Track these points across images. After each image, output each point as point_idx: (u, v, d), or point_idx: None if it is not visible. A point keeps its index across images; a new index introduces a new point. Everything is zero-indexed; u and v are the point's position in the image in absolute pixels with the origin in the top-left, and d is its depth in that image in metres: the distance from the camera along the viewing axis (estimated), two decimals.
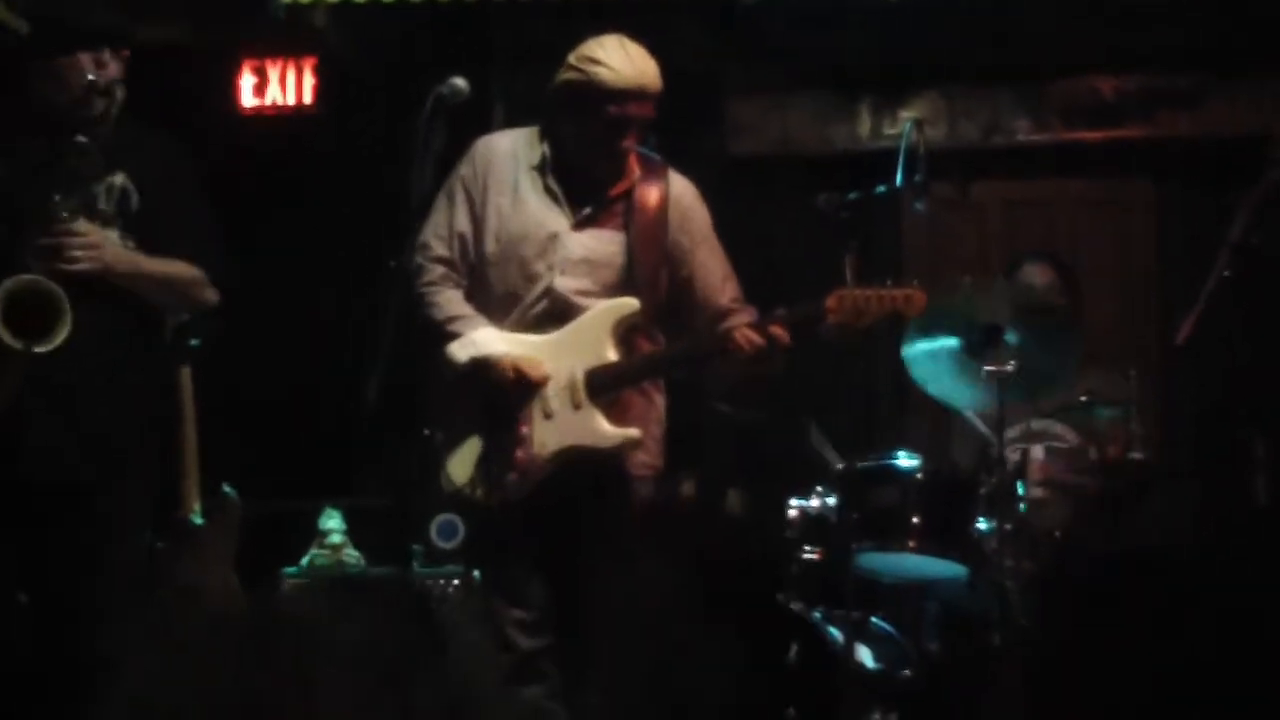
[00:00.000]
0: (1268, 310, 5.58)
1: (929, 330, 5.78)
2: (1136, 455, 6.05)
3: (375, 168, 7.29)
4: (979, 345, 5.74)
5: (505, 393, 4.78)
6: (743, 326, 4.74)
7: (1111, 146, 8.34)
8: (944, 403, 6.15)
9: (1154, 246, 8.46)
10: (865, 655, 5.63)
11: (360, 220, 7.33)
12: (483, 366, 4.78)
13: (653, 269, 4.88)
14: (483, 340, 4.80)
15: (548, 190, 4.88)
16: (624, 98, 4.72)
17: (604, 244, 4.87)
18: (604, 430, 4.77)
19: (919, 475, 5.71)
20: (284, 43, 8.36)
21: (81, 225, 4.51)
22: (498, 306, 4.87)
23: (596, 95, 4.71)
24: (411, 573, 6.38)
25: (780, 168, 8.33)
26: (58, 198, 4.48)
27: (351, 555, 6.81)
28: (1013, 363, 5.63)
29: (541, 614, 4.85)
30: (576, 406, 4.77)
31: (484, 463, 4.81)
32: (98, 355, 4.56)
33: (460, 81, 4.55)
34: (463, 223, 4.90)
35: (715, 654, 5.53)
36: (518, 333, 4.84)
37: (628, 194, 4.90)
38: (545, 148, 4.90)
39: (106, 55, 4.63)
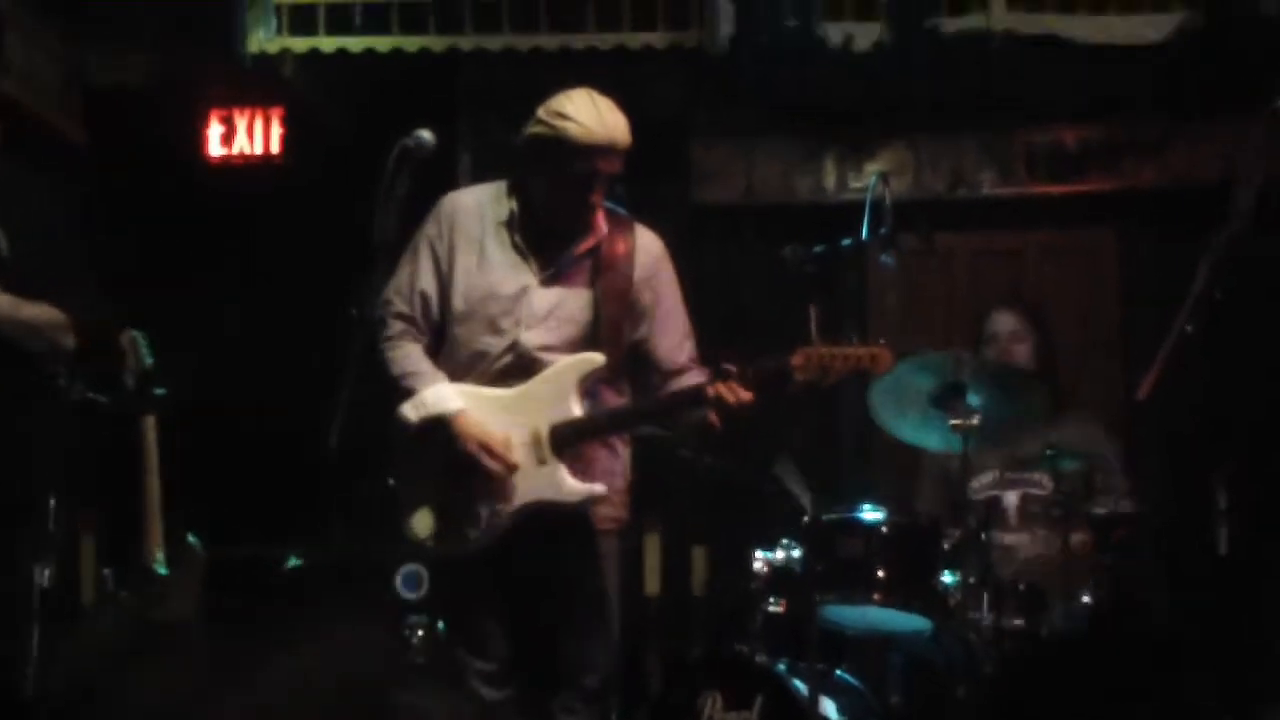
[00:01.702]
0: (1230, 363, 5.60)
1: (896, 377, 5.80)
2: (1100, 510, 6.05)
3: (341, 217, 7.28)
4: (943, 399, 5.76)
5: (467, 456, 4.74)
6: (717, 384, 4.68)
7: (1076, 197, 8.38)
8: (909, 443, 6.17)
9: (1119, 295, 8.50)
10: (830, 708, 5.61)
11: (325, 269, 7.32)
12: (436, 426, 4.76)
13: (617, 324, 4.85)
14: (434, 399, 4.78)
15: (514, 246, 4.85)
16: (591, 153, 4.68)
17: (570, 300, 4.84)
18: (569, 485, 4.74)
19: (884, 528, 5.72)
20: (251, 92, 8.36)
21: None
22: (465, 362, 4.85)
23: (564, 150, 4.67)
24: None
25: (746, 217, 8.35)
26: None
27: None
28: (976, 418, 5.66)
29: (503, 665, 4.84)
30: (541, 462, 4.75)
31: (444, 515, 4.79)
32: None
33: (426, 134, 4.56)
34: (426, 281, 4.88)
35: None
36: (480, 386, 4.82)
37: (594, 250, 4.87)
38: (513, 203, 4.87)
39: None
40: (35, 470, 4.78)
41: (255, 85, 8.27)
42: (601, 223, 4.90)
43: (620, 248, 4.90)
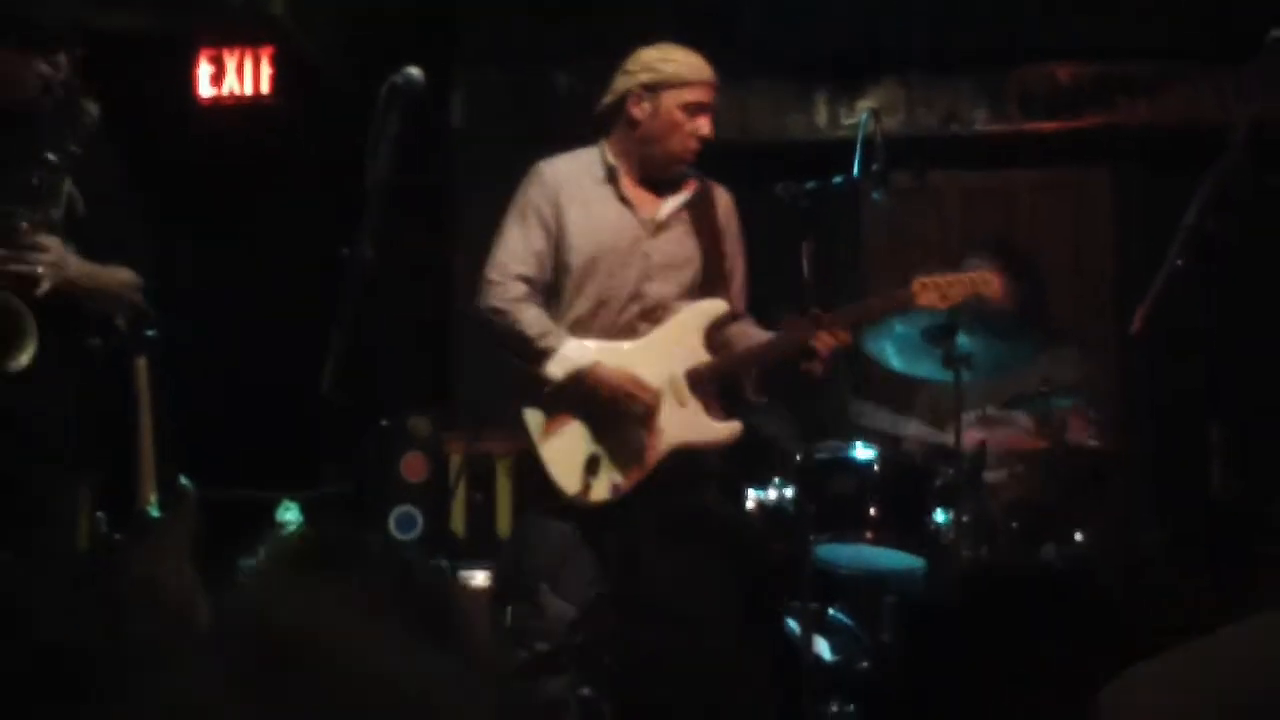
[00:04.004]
0: (1223, 296, 5.59)
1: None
2: (1093, 442, 6.06)
3: (332, 157, 7.26)
4: (935, 336, 5.77)
5: (612, 402, 4.98)
6: (827, 318, 5.00)
7: (1069, 135, 8.35)
8: (902, 373, 6.20)
9: (1112, 234, 8.47)
10: (823, 647, 5.63)
11: (316, 209, 7.30)
12: (579, 378, 4.99)
13: (720, 270, 5.18)
14: (575, 353, 5.02)
15: (622, 200, 5.14)
16: (699, 86, 5.10)
17: (680, 249, 5.15)
18: (712, 425, 5.06)
19: (876, 466, 5.73)
20: (241, 32, 8.32)
21: (44, 240, 4.50)
22: (586, 317, 5.09)
23: (674, 85, 5.07)
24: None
25: (739, 156, 8.32)
26: (22, 218, 4.47)
27: None
28: (968, 356, 5.68)
29: (585, 613, 5.01)
30: (681, 404, 5.02)
31: (591, 467, 5.00)
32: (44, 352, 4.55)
33: (415, 71, 4.56)
34: (539, 242, 5.11)
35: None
36: (607, 340, 5.06)
37: (692, 199, 5.18)
38: (611, 160, 5.16)
39: (61, 56, 4.59)
40: (70, 434, 4.80)
41: (245, 25, 8.22)
42: (690, 177, 5.22)
43: (707, 196, 5.24)
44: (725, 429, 5.06)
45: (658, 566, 5.05)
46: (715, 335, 5.13)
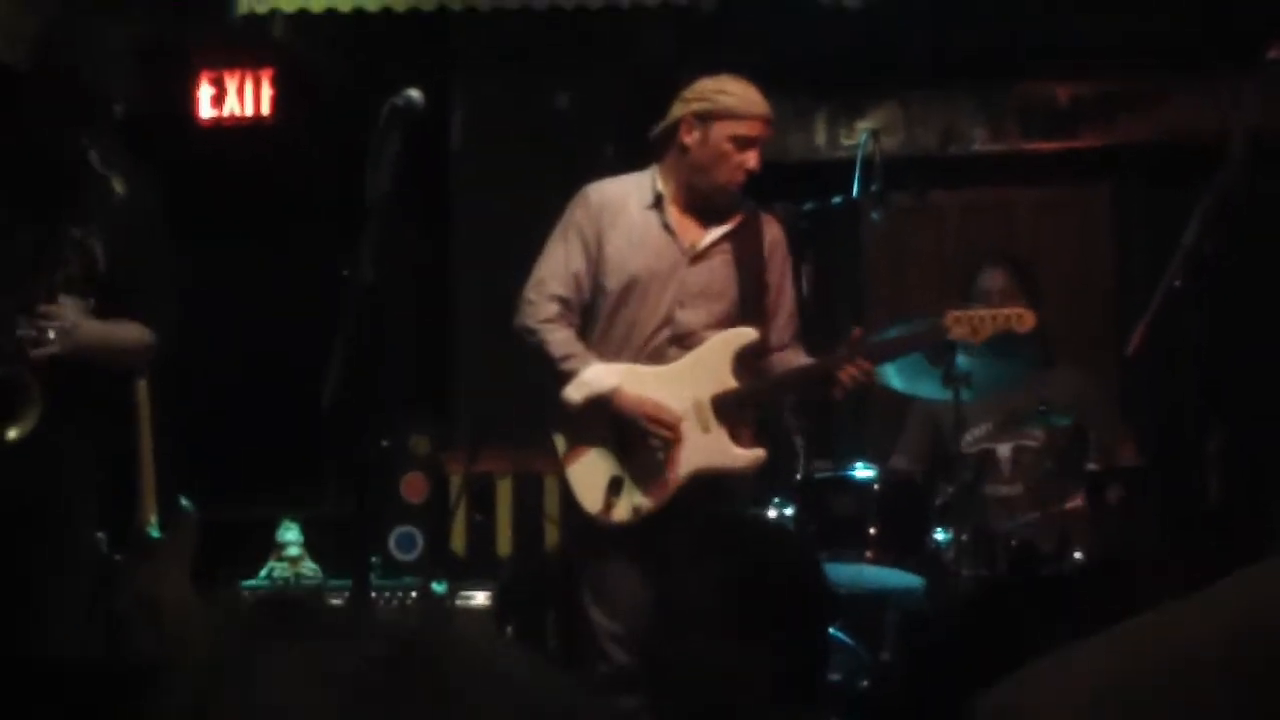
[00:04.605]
0: (1220, 316, 5.58)
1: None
2: (1093, 466, 6.06)
3: (332, 178, 7.27)
4: (935, 356, 5.78)
5: (633, 427, 5.08)
6: (859, 347, 5.14)
7: (1069, 153, 8.35)
8: (903, 392, 6.20)
9: (1113, 252, 8.47)
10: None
11: (316, 230, 7.31)
12: (599, 404, 5.08)
13: (760, 299, 5.23)
14: (594, 377, 5.11)
15: (665, 227, 5.20)
16: (751, 119, 5.15)
17: (718, 278, 5.21)
18: (735, 451, 5.11)
19: (876, 485, 5.73)
20: (241, 53, 8.33)
21: (56, 307, 4.52)
22: (619, 341, 5.18)
23: (726, 116, 5.12)
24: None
25: None
26: (38, 284, 4.49)
27: (309, 567, 6.79)
28: (967, 375, 5.69)
29: (636, 630, 5.01)
30: (705, 430, 5.08)
31: (613, 488, 5.09)
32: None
33: (415, 93, 4.57)
34: (578, 263, 5.19)
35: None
36: (637, 364, 5.13)
37: (734, 233, 5.23)
38: (660, 187, 5.22)
39: (99, 122, 4.61)
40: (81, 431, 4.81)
41: (245, 46, 8.23)
42: (739, 206, 5.28)
43: (755, 228, 5.30)
44: (750, 456, 5.12)
45: (688, 583, 5.05)
46: (744, 362, 5.16)
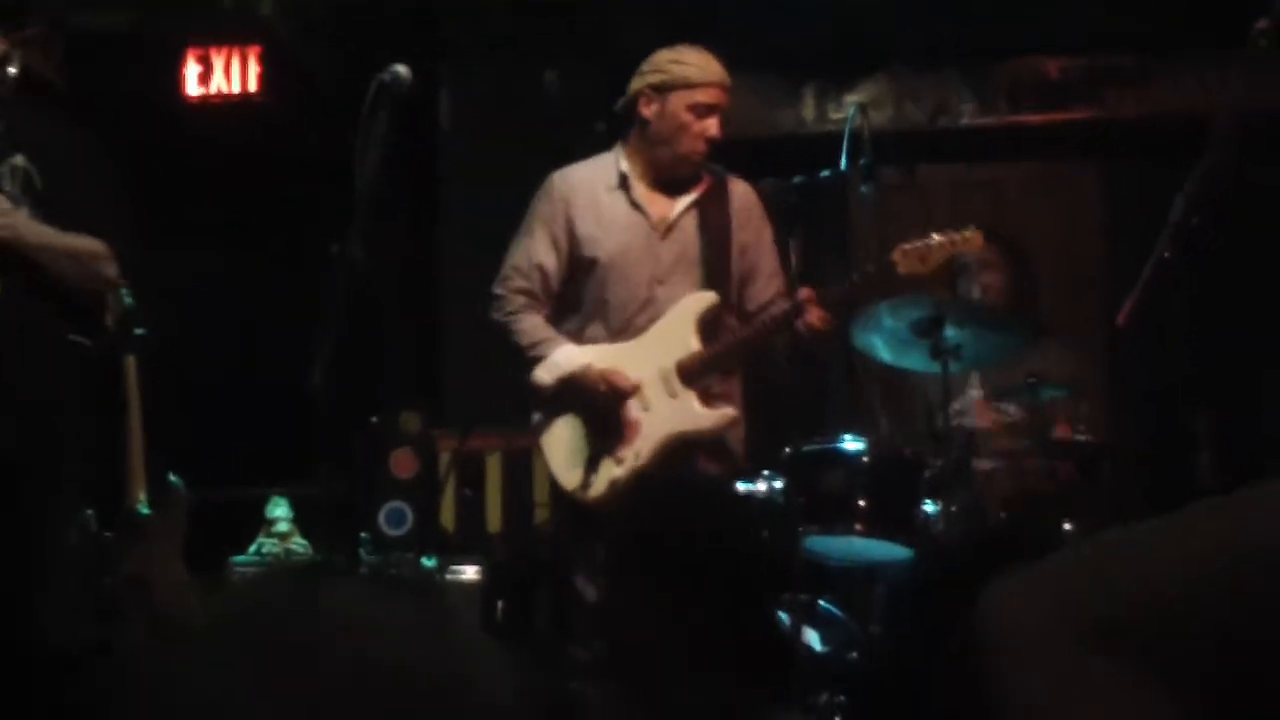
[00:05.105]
0: (1209, 290, 5.59)
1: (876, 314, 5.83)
2: (1082, 437, 6.08)
3: (320, 156, 7.26)
4: (923, 329, 5.78)
5: (600, 400, 5.08)
6: (813, 297, 5.03)
7: (1058, 128, 8.36)
8: (891, 365, 6.21)
9: (1102, 227, 8.48)
10: (813, 638, 5.63)
11: (306, 207, 7.30)
12: (570, 383, 5.11)
13: (726, 263, 5.20)
14: (564, 359, 5.14)
15: (634, 205, 5.20)
16: (709, 87, 5.14)
17: (690, 249, 5.19)
18: (703, 413, 5.09)
19: (865, 458, 5.73)
20: (229, 31, 8.32)
21: None
22: (603, 322, 5.19)
23: (683, 86, 5.12)
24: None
25: (726, 151, 8.32)
26: None
27: (299, 543, 6.80)
28: (957, 349, 5.69)
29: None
30: (673, 395, 5.07)
31: (591, 465, 5.10)
32: (22, 333, 4.54)
33: (403, 69, 4.56)
34: (543, 255, 5.22)
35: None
36: (619, 342, 5.14)
37: (701, 200, 5.22)
38: (623, 165, 5.23)
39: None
40: (64, 428, 4.80)
41: (232, 24, 8.22)
42: (704, 173, 5.27)
43: (721, 195, 5.28)
44: (719, 416, 5.10)
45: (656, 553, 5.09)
46: (709, 326, 5.15)
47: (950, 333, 5.73)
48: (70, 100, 4.77)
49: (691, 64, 5.16)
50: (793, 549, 5.47)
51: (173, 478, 6.22)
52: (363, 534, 6.52)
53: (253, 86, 8.31)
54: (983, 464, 6.09)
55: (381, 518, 6.65)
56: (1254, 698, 1.36)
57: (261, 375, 7.37)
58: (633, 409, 5.10)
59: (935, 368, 5.78)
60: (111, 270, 4.86)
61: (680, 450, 5.08)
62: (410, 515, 6.60)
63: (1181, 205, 4.87)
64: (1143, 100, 8.21)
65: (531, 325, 5.21)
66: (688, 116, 5.12)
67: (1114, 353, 7.55)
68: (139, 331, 6.05)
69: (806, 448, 5.76)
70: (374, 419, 5.03)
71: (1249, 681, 1.36)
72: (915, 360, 5.99)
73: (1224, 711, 1.36)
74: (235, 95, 8.32)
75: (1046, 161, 8.57)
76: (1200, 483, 5.48)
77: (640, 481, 5.04)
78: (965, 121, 8.35)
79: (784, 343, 5.25)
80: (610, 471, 5.09)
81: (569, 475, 5.15)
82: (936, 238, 5.10)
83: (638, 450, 5.07)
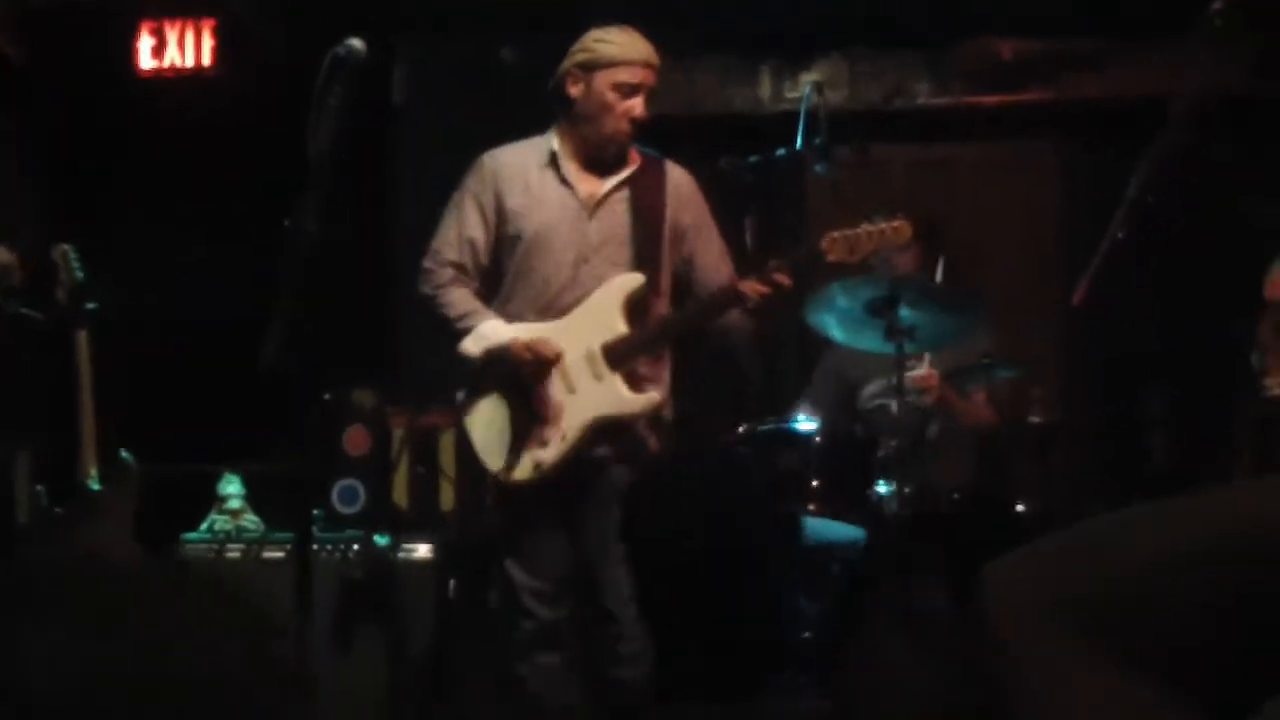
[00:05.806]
0: (1163, 269, 5.62)
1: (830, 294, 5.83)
2: (1036, 418, 6.09)
3: (274, 130, 7.22)
4: (877, 309, 5.79)
5: (525, 374, 5.07)
6: (748, 280, 5.03)
7: (1013, 109, 8.36)
8: (845, 345, 6.20)
9: (1056, 208, 8.50)
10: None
11: (259, 182, 7.26)
12: (496, 354, 5.10)
13: (657, 246, 5.18)
14: (491, 331, 5.12)
15: (563, 181, 5.20)
16: (633, 65, 5.12)
17: (618, 229, 5.18)
18: (628, 397, 5.06)
19: (818, 438, 5.74)
20: (183, 4, 8.27)
21: None
22: (529, 299, 5.18)
23: (608, 65, 5.13)
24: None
25: (683, 130, 8.31)
26: None
27: (251, 520, 6.76)
28: (911, 329, 5.69)
29: (558, 586, 5.15)
30: (598, 378, 5.05)
31: (515, 444, 5.09)
32: None
33: (357, 42, 4.52)
34: (473, 229, 5.22)
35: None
36: (545, 320, 5.12)
37: (633, 178, 5.21)
38: (553, 144, 5.23)
39: None
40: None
41: None
42: (636, 156, 5.26)
43: (654, 177, 5.26)
44: (644, 400, 5.08)
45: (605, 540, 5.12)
46: (636, 308, 5.13)
47: (905, 313, 5.73)
48: (24, 72, 4.73)
49: (616, 43, 5.15)
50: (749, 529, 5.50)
51: (124, 453, 6.20)
52: (315, 511, 6.49)
53: (207, 60, 8.26)
54: (936, 444, 6.09)
55: (334, 495, 6.62)
56: (1234, 674, 1.37)
57: (214, 350, 7.34)
58: (558, 391, 5.08)
59: (889, 348, 5.78)
60: (13, 279, 4.83)
61: (606, 433, 5.07)
62: (363, 492, 6.57)
63: (1137, 184, 4.88)
64: (1099, 82, 8.22)
65: (459, 297, 5.20)
66: (612, 96, 5.12)
67: (1069, 333, 7.56)
68: (90, 306, 6.02)
69: (761, 427, 5.77)
70: (327, 395, 5.00)
71: (1229, 659, 1.37)
72: (869, 340, 5.99)
73: (1207, 688, 1.36)
74: (189, 69, 8.27)
75: (1002, 142, 8.58)
76: (1154, 462, 5.51)
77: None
78: (921, 101, 8.35)
79: (739, 333, 5.28)
80: (535, 454, 5.07)
81: (492, 457, 5.14)
82: (866, 227, 5.14)
83: (564, 432, 5.05)
